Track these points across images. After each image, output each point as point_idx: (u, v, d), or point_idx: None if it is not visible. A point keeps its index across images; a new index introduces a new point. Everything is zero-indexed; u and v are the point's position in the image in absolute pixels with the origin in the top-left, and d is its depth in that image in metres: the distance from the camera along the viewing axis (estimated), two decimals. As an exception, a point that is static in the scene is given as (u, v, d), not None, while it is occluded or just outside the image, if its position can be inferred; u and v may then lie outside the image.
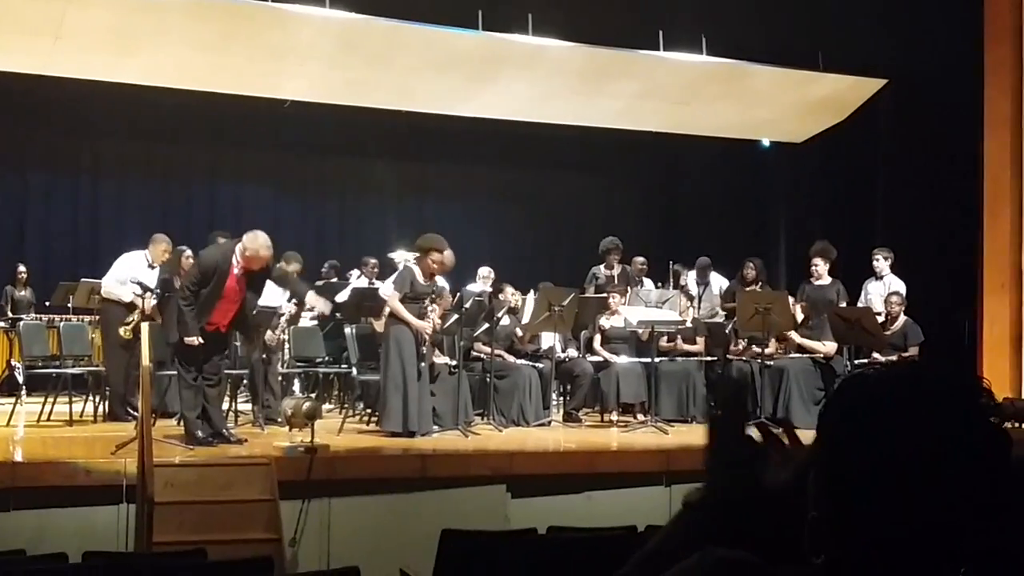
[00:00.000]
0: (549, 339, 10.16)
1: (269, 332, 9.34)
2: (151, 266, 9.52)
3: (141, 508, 6.16)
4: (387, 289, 8.73)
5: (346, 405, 10.02)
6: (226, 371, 8.43)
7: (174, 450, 7.38)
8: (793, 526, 1.19)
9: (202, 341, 7.55)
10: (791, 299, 10.35)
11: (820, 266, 10.61)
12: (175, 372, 7.96)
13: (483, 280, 11.37)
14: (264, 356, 9.25)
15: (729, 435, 1.41)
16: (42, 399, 9.35)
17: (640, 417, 9.81)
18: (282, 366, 9.98)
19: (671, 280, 11.91)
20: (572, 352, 10.44)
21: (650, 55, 11.70)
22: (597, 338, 10.33)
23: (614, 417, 9.90)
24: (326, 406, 10.11)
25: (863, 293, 10.79)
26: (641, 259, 12.26)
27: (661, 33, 11.58)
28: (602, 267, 11.72)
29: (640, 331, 10.11)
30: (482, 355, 9.88)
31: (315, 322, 11.05)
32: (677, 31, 11.67)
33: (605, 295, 10.62)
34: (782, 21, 12.19)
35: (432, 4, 11.04)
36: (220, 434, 7.71)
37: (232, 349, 9.08)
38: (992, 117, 11.16)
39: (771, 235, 14.99)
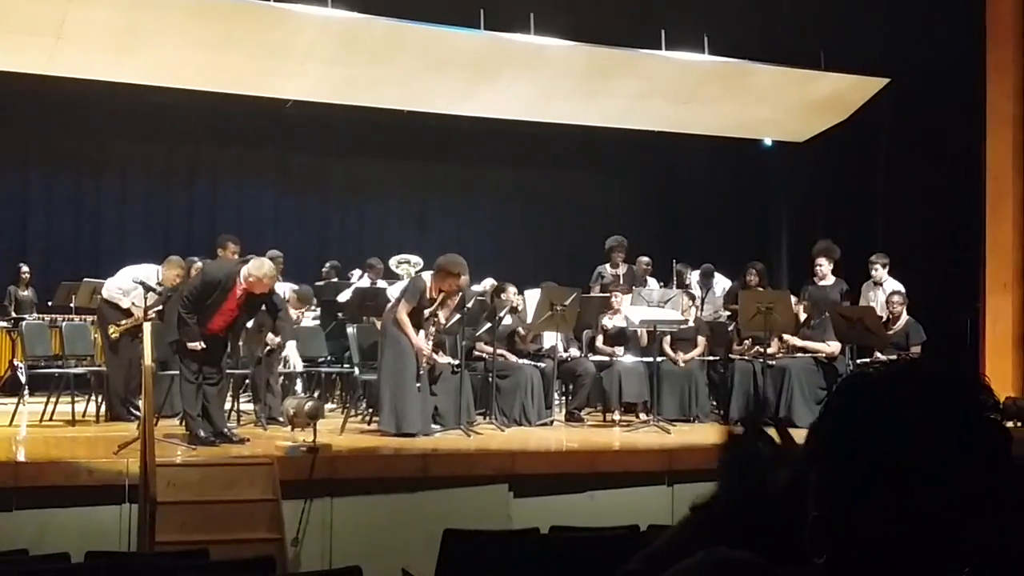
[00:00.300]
0: (551, 338, 10.16)
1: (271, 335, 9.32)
2: (159, 284, 9.48)
3: (143, 508, 6.16)
4: (394, 291, 8.72)
5: (348, 405, 10.02)
6: (228, 371, 8.43)
7: (176, 450, 7.39)
8: (795, 527, 1.19)
9: (204, 346, 7.60)
10: (793, 299, 10.35)
11: (824, 265, 10.61)
12: (177, 372, 7.96)
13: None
14: (267, 355, 9.25)
15: (746, 448, 1.42)
16: (44, 399, 9.35)
17: (642, 417, 9.80)
18: (284, 366, 9.97)
19: (674, 279, 11.93)
20: (574, 351, 10.43)
21: (652, 54, 11.69)
22: (599, 337, 10.33)
23: (616, 417, 9.90)
24: (328, 406, 10.11)
25: (862, 300, 10.77)
26: (646, 259, 12.28)
27: (663, 32, 11.57)
28: (607, 266, 11.73)
29: (639, 331, 10.11)
30: (484, 355, 9.88)
31: (317, 321, 11.06)
32: (678, 30, 11.66)
33: (607, 294, 10.62)
34: (783, 20, 12.20)
35: (433, 3, 11.04)
36: (222, 434, 7.72)
37: (235, 349, 9.08)
38: (994, 116, 11.16)
39: (772, 234, 14.98)
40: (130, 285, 9.24)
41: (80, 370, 9.74)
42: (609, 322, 10.26)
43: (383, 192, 16.27)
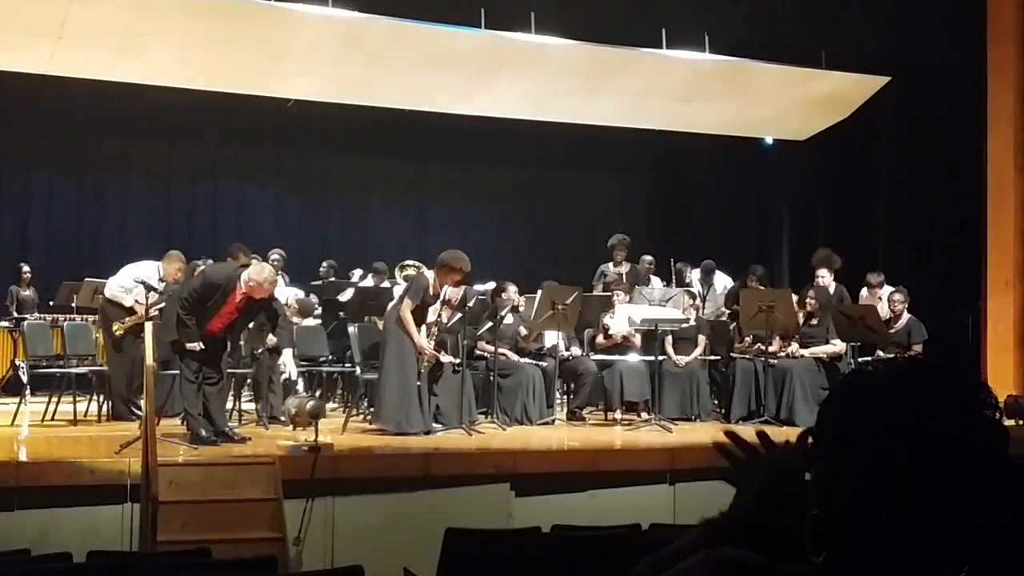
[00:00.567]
0: (553, 337, 10.16)
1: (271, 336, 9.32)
2: (161, 280, 9.49)
3: (145, 507, 6.17)
4: (399, 290, 8.72)
5: (349, 404, 10.02)
6: (230, 370, 8.43)
7: (178, 449, 7.38)
8: (795, 526, 1.19)
9: (203, 347, 7.61)
10: (794, 297, 10.34)
11: (825, 277, 10.59)
12: (178, 371, 7.97)
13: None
14: (268, 351, 9.25)
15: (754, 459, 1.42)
16: (46, 399, 9.36)
17: (644, 415, 9.80)
18: (283, 368, 9.96)
19: (673, 278, 11.93)
20: (576, 350, 10.43)
21: (653, 53, 11.69)
22: (600, 337, 10.33)
23: (618, 415, 9.90)
24: (330, 405, 10.12)
25: None
26: (649, 257, 12.28)
27: (664, 31, 11.57)
28: (610, 264, 11.73)
29: (635, 333, 10.11)
30: (486, 354, 9.88)
31: (318, 321, 11.06)
32: (679, 29, 11.66)
33: (609, 293, 10.62)
34: (785, 19, 12.20)
35: (435, 3, 11.05)
36: (224, 433, 7.72)
37: (236, 349, 9.08)
38: (995, 115, 11.16)
39: (774, 233, 14.98)
40: (131, 283, 9.24)
41: (82, 370, 9.74)
42: (610, 321, 10.25)
43: (384, 191, 16.27)
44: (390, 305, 9.08)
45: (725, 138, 13.68)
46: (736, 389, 9.93)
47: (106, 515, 6.51)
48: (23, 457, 7.34)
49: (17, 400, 9.38)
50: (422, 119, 13.58)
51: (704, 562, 1.21)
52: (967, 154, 11.49)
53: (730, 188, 15.31)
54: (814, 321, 10.15)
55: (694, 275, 12.18)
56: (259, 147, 15.40)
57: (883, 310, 10.38)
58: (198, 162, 15.49)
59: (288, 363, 8.23)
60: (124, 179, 15.14)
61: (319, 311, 11.29)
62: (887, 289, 10.67)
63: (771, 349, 9.94)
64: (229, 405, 8.93)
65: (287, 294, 10.82)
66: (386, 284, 11.41)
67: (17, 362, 11.01)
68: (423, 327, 8.65)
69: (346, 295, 11.29)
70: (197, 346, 7.57)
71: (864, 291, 10.91)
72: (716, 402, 10.58)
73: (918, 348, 10.03)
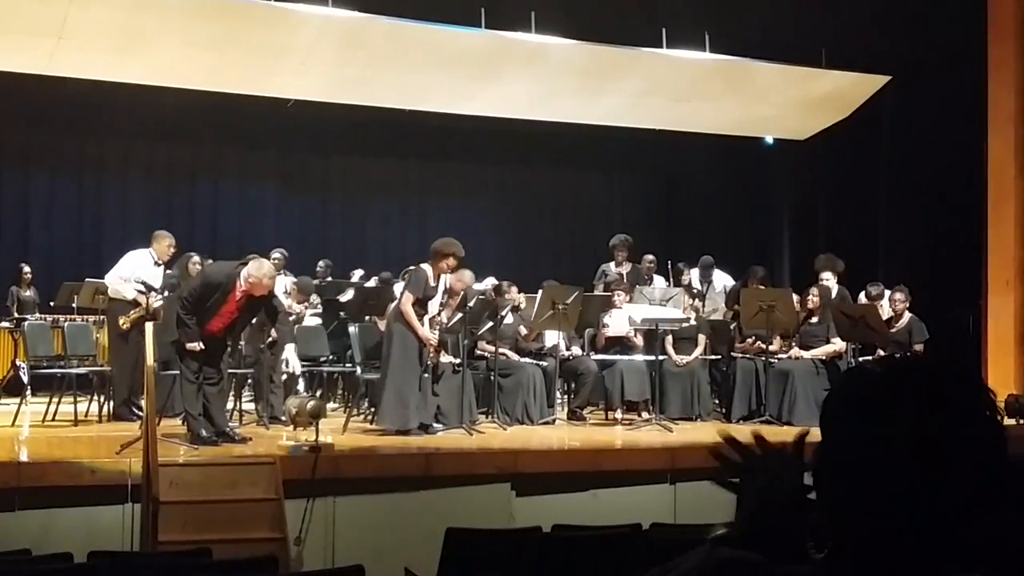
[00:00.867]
0: (553, 337, 10.16)
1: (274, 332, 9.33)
2: (157, 263, 9.55)
3: (146, 508, 6.17)
4: (400, 288, 8.71)
5: (350, 404, 10.02)
6: (230, 370, 8.43)
7: (178, 450, 7.38)
8: (796, 526, 1.19)
9: (203, 347, 7.60)
10: (795, 297, 10.34)
11: (829, 280, 10.59)
12: (179, 372, 7.96)
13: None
14: (270, 352, 9.26)
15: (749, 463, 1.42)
16: (47, 399, 9.36)
17: (645, 415, 9.80)
18: (286, 365, 9.97)
19: (671, 278, 11.92)
20: (576, 350, 10.43)
21: (653, 52, 11.69)
22: (600, 336, 10.33)
23: (619, 415, 9.89)
24: (330, 405, 10.13)
25: None
26: (650, 257, 12.27)
27: (664, 31, 11.57)
28: (612, 264, 11.72)
29: (636, 336, 10.11)
30: (486, 353, 9.88)
31: (319, 320, 11.06)
32: (680, 28, 11.66)
33: (609, 293, 10.62)
34: (785, 18, 12.18)
35: (435, 2, 11.04)
36: (224, 433, 7.71)
37: (236, 350, 9.09)
38: (996, 114, 11.15)
39: (774, 232, 14.98)
40: (128, 272, 9.30)
41: (82, 370, 9.74)
42: (609, 321, 10.25)
43: (384, 191, 16.27)
44: (391, 305, 9.08)
45: (725, 137, 13.68)
46: (737, 389, 9.93)
47: (107, 515, 6.51)
48: (24, 457, 7.35)
49: (18, 401, 9.38)
50: (422, 119, 13.57)
51: (704, 562, 1.21)
52: (967, 153, 11.49)
53: (730, 188, 15.31)
54: (814, 319, 10.14)
55: (693, 274, 12.16)
56: (259, 147, 15.41)
57: (884, 310, 10.38)
58: (198, 162, 15.50)
59: (291, 358, 8.23)
60: (124, 179, 15.15)
61: (320, 310, 11.29)
62: (886, 299, 10.66)
63: (771, 348, 9.95)
64: (230, 405, 8.93)
65: (283, 283, 10.77)
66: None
67: (18, 362, 11.02)
68: (425, 319, 8.64)
69: (347, 295, 11.30)
70: (197, 346, 7.57)
71: (863, 299, 10.90)
72: (717, 402, 10.58)
73: (919, 348, 10.03)
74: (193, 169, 15.51)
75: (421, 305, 8.55)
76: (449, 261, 8.60)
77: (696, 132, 13.53)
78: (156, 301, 8.62)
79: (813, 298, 10.18)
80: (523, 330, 10.26)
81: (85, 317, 11.51)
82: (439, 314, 8.92)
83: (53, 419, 9.17)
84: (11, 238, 14.31)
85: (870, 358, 9.71)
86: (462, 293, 9.24)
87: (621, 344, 10.18)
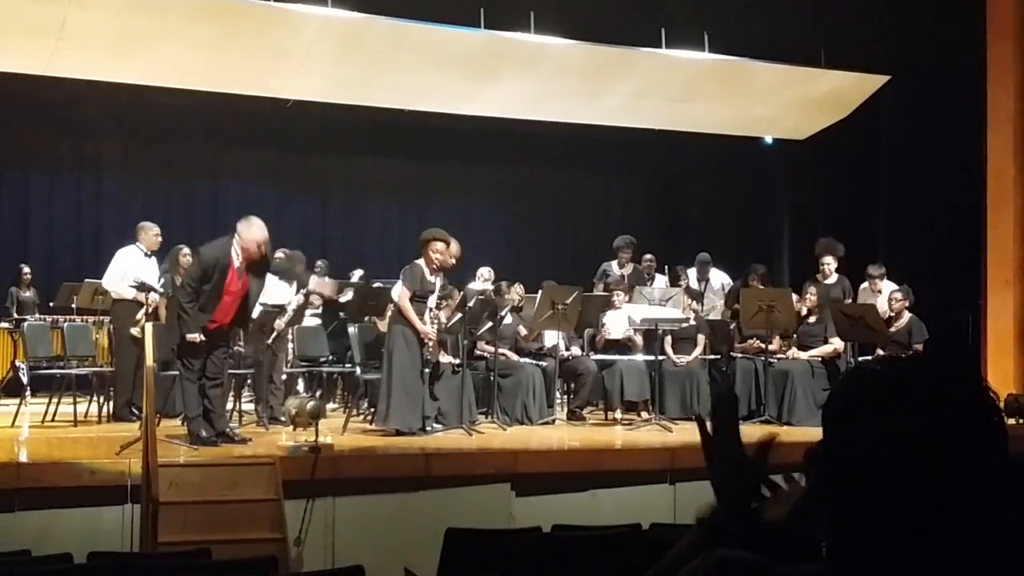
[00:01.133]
0: (553, 337, 10.16)
1: (277, 321, 9.32)
2: (147, 255, 9.58)
3: (146, 508, 6.17)
4: (397, 289, 8.72)
5: (350, 404, 10.02)
6: (230, 371, 8.42)
7: (178, 450, 7.38)
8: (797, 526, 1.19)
9: (204, 338, 7.53)
10: (794, 297, 10.34)
11: (830, 263, 10.61)
12: (179, 372, 7.95)
13: (483, 281, 11.40)
14: (271, 351, 9.26)
15: (725, 451, 1.42)
16: (47, 400, 9.36)
17: (644, 415, 9.80)
18: (286, 366, 9.99)
19: (667, 280, 11.92)
20: (576, 350, 10.44)
21: (652, 52, 11.69)
22: (599, 338, 10.33)
23: (618, 415, 9.90)
24: (330, 405, 10.12)
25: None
26: (649, 256, 12.26)
27: (663, 31, 11.56)
28: (614, 264, 11.70)
29: (635, 333, 10.11)
30: (486, 354, 9.88)
31: (318, 321, 11.05)
32: (679, 28, 11.65)
33: (608, 293, 10.62)
34: (784, 18, 12.18)
35: (434, 3, 11.03)
36: (224, 434, 7.71)
37: (236, 349, 9.09)
38: (995, 114, 11.15)
39: (773, 233, 14.98)
40: (121, 271, 9.31)
41: (82, 371, 9.74)
42: (607, 321, 10.25)
43: (383, 191, 16.26)
44: (391, 306, 9.08)
45: (725, 138, 13.67)
46: (736, 389, 9.92)
47: (107, 516, 6.51)
48: (24, 458, 7.35)
49: (17, 401, 9.38)
50: (421, 119, 13.57)
51: (704, 562, 1.21)
52: (967, 153, 11.48)
53: (730, 188, 15.31)
54: (812, 319, 10.15)
55: (691, 273, 12.15)
56: (259, 148, 15.40)
57: (882, 304, 10.37)
58: (198, 163, 15.48)
59: (319, 286, 8.22)
60: (124, 180, 15.13)
61: (320, 310, 11.28)
62: (889, 285, 10.66)
63: (771, 348, 9.95)
64: (229, 406, 8.93)
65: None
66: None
67: (17, 363, 11.01)
68: (427, 316, 8.64)
69: (346, 295, 11.29)
70: (197, 337, 7.48)
71: (865, 283, 10.89)
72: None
73: (919, 348, 10.02)
74: (192, 169, 15.50)
75: (420, 300, 8.56)
76: (436, 246, 8.62)
77: (695, 132, 13.53)
78: (156, 296, 8.62)
79: (810, 297, 10.18)
80: (522, 330, 10.27)
81: (84, 318, 11.50)
82: (438, 307, 8.93)
83: (53, 420, 9.18)
84: (10, 239, 14.29)
85: (869, 358, 9.72)
86: (462, 294, 9.24)
87: (618, 344, 10.18)
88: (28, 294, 13.05)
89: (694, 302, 10.95)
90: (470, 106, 12.56)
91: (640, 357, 10.04)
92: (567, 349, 10.31)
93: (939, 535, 1.10)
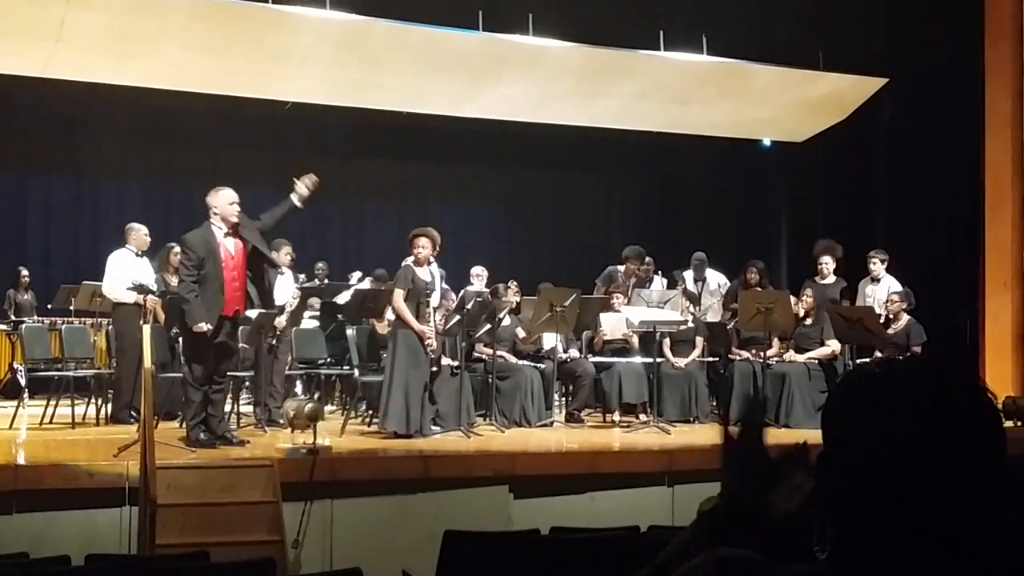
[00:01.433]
0: (551, 339, 10.16)
1: (277, 319, 9.31)
2: (138, 255, 9.60)
3: (144, 510, 6.16)
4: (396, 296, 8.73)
5: (348, 407, 10.01)
6: (228, 373, 8.41)
7: (176, 452, 7.37)
8: (798, 525, 1.19)
9: (211, 327, 7.40)
10: (792, 299, 10.34)
11: (828, 264, 10.61)
12: (177, 374, 7.94)
13: (477, 279, 11.39)
14: (272, 353, 9.24)
15: (746, 453, 1.41)
16: (44, 402, 9.35)
17: (642, 417, 9.80)
18: (287, 368, 9.97)
19: (664, 283, 11.90)
20: (574, 352, 10.43)
21: (650, 55, 11.69)
22: (597, 340, 10.32)
23: (616, 417, 9.89)
24: (328, 408, 10.11)
25: (859, 297, 10.76)
26: (648, 259, 12.24)
27: (661, 33, 11.57)
28: (620, 268, 11.63)
29: (633, 335, 10.11)
30: (484, 356, 9.88)
31: (316, 323, 11.04)
32: (677, 31, 11.66)
33: (607, 296, 10.61)
34: (782, 20, 12.20)
35: (432, 5, 11.03)
36: (222, 436, 7.70)
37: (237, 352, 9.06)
38: (993, 116, 11.16)
39: (772, 235, 14.99)
40: (119, 273, 9.32)
41: (80, 373, 9.73)
42: (604, 323, 10.23)
43: (382, 194, 16.27)
44: (391, 308, 9.07)
45: (723, 140, 13.68)
46: (734, 390, 9.93)
47: (104, 518, 6.50)
48: (21, 460, 7.33)
49: (15, 403, 9.38)
50: (420, 121, 13.58)
51: (705, 561, 1.21)
52: (965, 155, 11.50)
53: (728, 190, 15.32)
54: (808, 321, 10.15)
55: (688, 278, 12.11)
56: (257, 150, 15.39)
57: (881, 293, 10.36)
58: (196, 165, 15.46)
59: (300, 189, 8.24)
60: (122, 182, 15.13)
61: (318, 312, 11.27)
62: (890, 278, 10.61)
63: (770, 352, 9.94)
64: (227, 408, 8.92)
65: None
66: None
67: (15, 365, 11.01)
68: (431, 318, 8.65)
69: (344, 297, 11.29)
70: (204, 326, 7.38)
71: (872, 265, 10.79)
72: (715, 404, 10.57)
73: (917, 350, 10.02)
74: (190, 171, 15.47)
75: (418, 300, 8.56)
76: (420, 242, 8.68)
77: (694, 134, 13.53)
78: (154, 298, 8.61)
79: (806, 299, 10.19)
80: (521, 332, 10.26)
81: (83, 320, 11.50)
82: (439, 305, 8.94)
83: (51, 422, 9.17)
84: (8, 241, 14.29)
85: (867, 360, 9.71)
86: (460, 296, 9.24)
87: (615, 346, 10.18)
88: (26, 296, 13.04)
89: (692, 305, 10.94)
90: (469, 108, 12.56)
91: (638, 359, 10.03)
92: (565, 351, 10.31)
93: (939, 536, 1.10)
